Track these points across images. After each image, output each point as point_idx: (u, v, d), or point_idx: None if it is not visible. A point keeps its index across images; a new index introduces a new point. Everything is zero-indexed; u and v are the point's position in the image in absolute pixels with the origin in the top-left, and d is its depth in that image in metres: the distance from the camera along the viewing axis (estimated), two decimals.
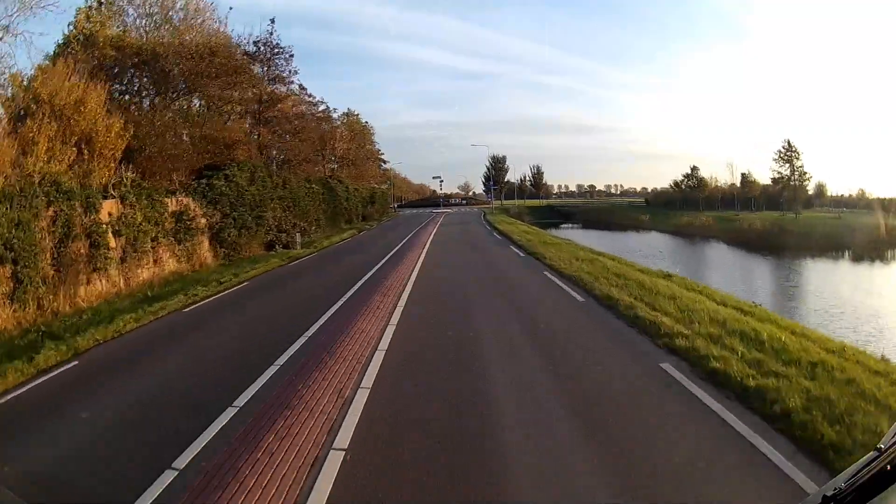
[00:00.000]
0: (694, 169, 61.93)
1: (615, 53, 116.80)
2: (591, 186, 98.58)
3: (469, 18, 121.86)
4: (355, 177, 45.89)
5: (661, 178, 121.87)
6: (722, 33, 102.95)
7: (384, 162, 59.53)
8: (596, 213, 65.68)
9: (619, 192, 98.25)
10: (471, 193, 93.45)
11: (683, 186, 63.62)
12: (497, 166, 75.55)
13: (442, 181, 74.26)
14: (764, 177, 56.82)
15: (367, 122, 52.79)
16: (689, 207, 57.97)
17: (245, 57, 23.17)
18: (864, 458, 1.28)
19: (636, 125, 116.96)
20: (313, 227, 24.55)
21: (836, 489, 1.24)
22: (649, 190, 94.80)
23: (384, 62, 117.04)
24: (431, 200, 77.01)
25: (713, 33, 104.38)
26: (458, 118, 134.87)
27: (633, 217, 56.90)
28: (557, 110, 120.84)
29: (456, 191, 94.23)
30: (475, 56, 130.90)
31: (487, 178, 79.08)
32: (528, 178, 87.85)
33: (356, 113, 49.43)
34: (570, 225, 65.81)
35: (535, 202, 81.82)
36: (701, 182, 61.38)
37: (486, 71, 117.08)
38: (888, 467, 1.16)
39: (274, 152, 26.65)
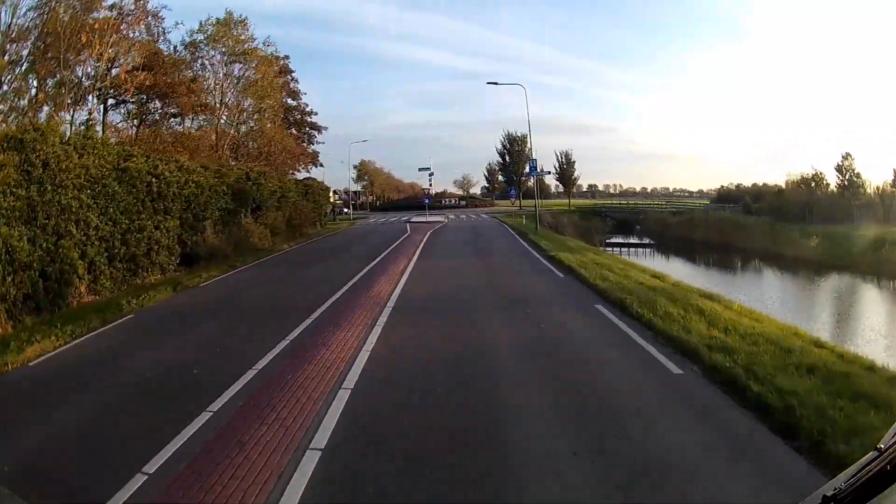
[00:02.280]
0: (846, 157, 37.31)
1: (615, 53, 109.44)
2: (593, 185, 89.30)
3: (469, 18, 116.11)
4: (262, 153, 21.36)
5: (661, 178, 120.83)
6: (722, 33, 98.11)
7: (317, 131, 32.92)
8: (692, 224, 40.52)
9: (618, 192, 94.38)
10: (469, 192, 70.21)
11: (816, 184, 39.64)
12: (513, 149, 50.39)
13: (432, 174, 48.40)
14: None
15: (273, 50, 26.02)
16: (825, 217, 34.61)
17: None
18: (864, 458, 1.26)
19: (636, 125, 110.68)
20: None
21: (835, 489, 1.22)
22: (680, 190, 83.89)
23: (384, 62, 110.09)
24: (416, 201, 52.19)
25: (713, 33, 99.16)
26: (458, 118, 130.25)
27: (771, 238, 31.72)
28: (557, 110, 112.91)
29: (451, 189, 70.01)
30: (475, 56, 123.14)
31: (501, 166, 54.13)
32: (554, 169, 62.77)
33: (242, 17, 23.92)
34: (622, 238, 42.16)
35: (562, 203, 57.42)
36: (857, 180, 36.88)
37: (486, 71, 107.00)
38: (888, 467, 1.13)
39: None
